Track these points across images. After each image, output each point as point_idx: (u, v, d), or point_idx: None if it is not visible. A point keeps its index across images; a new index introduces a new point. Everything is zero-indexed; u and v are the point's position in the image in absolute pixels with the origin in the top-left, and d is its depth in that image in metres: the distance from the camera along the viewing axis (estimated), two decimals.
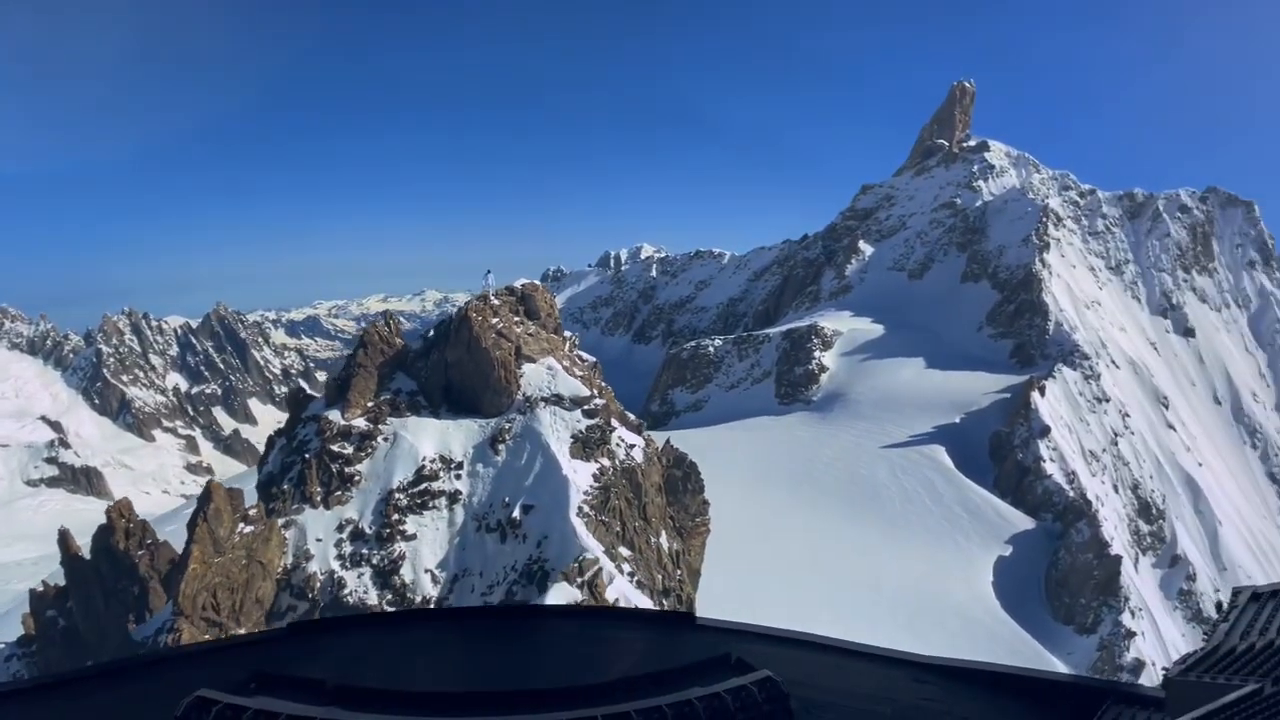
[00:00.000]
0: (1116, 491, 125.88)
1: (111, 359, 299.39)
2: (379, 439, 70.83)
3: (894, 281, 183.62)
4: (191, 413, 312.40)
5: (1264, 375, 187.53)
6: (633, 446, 76.26)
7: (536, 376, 76.80)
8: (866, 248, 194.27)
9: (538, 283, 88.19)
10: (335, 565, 65.02)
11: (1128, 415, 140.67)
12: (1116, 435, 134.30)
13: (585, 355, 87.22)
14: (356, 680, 5.45)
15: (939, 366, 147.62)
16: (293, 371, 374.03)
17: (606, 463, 71.98)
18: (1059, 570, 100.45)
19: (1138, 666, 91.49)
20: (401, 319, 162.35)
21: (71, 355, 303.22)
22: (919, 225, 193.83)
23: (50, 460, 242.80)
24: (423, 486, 69.20)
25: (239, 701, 4.53)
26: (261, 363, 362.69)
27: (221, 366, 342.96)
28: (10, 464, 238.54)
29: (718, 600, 76.60)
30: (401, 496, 68.44)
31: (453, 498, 69.61)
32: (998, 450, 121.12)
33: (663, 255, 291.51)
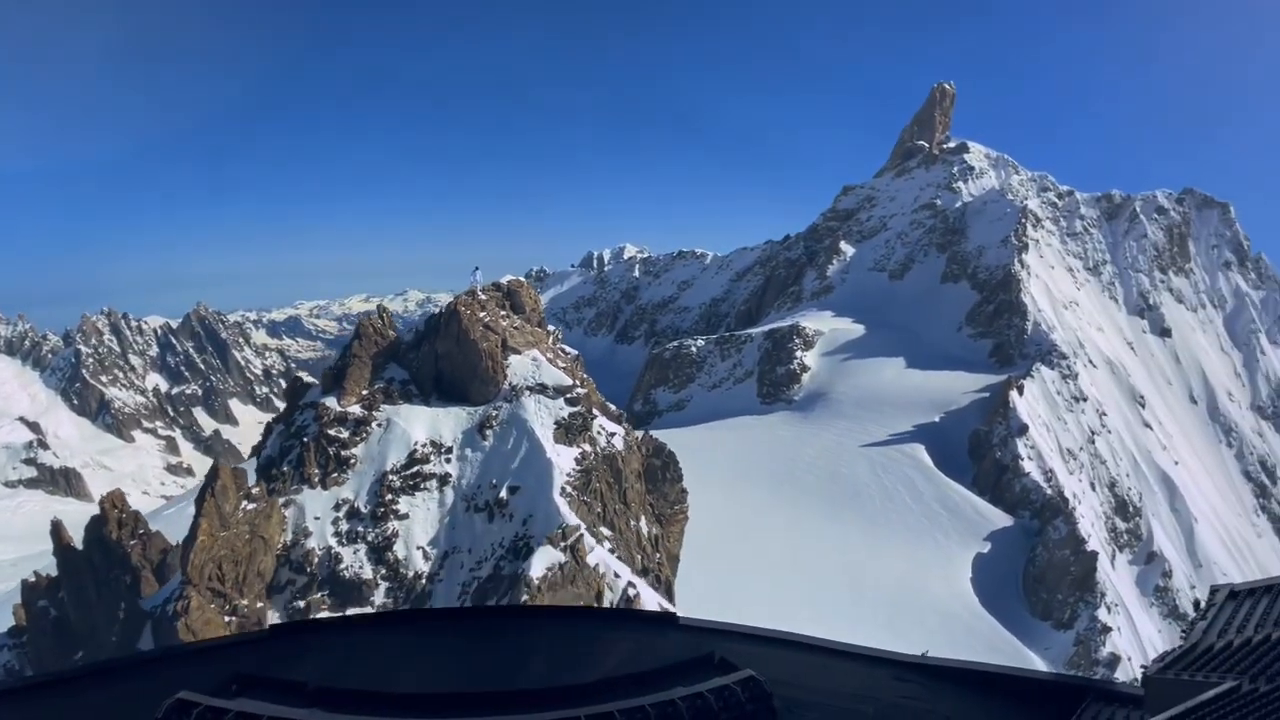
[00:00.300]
0: (1094, 489, 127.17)
1: (90, 359, 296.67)
2: (373, 424, 74.19)
3: (875, 282, 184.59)
4: (171, 413, 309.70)
5: (1239, 375, 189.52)
6: (613, 435, 79.79)
7: (522, 367, 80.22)
8: (848, 248, 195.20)
9: (523, 279, 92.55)
10: (332, 542, 68.05)
11: (1105, 414, 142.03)
12: (1094, 434, 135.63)
13: (568, 348, 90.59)
14: (338, 682, 5.44)
15: (919, 366, 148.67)
16: (274, 372, 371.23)
17: (588, 448, 75.34)
18: (1036, 567, 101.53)
19: (1113, 661, 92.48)
20: None
21: (50, 355, 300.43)
22: (899, 226, 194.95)
23: (29, 461, 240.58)
24: (415, 469, 72.55)
25: (220, 704, 4.58)
26: (242, 363, 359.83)
27: (202, 367, 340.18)
28: None
29: (699, 599, 77.05)
30: (395, 478, 71.69)
31: (443, 480, 72.83)
32: (977, 449, 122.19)
33: (646, 255, 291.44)
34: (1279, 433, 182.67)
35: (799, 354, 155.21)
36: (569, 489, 69.78)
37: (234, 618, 60.93)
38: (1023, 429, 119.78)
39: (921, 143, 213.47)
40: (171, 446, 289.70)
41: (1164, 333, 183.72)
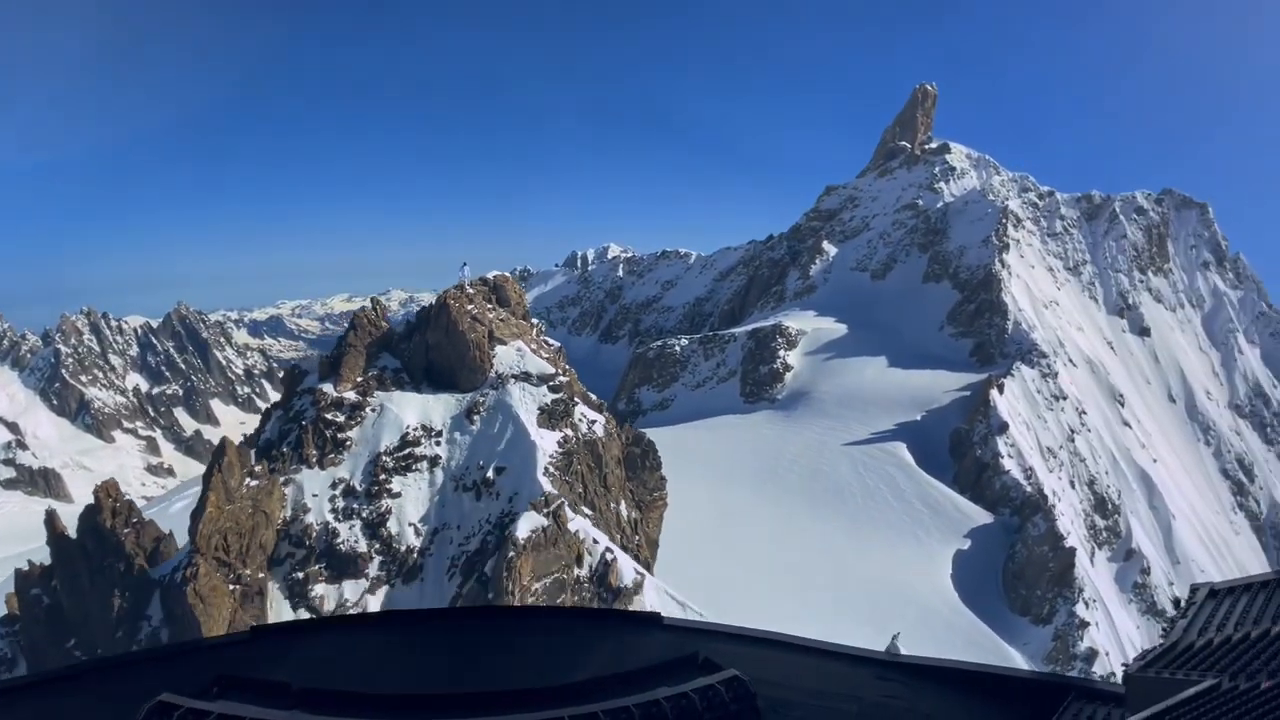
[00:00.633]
0: (1073, 487, 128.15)
1: (70, 359, 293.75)
2: (367, 409, 78.31)
3: (857, 281, 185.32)
4: (152, 413, 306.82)
5: (1217, 374, 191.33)
6: (594, 422, 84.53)
7: (507, 356, 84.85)
8: (830, 248, 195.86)
9: (508, 274, 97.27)
10: (329, 518, 71.99)
11: (1084, 413, 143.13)
12: (1073, 432, 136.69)
13: (550, 340, 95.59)
14: (321, 683, 5.40)
15: (901, 365, 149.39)
16: (256, 372, 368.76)
17: (570, 433, 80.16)
18: (1016, 563, 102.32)
19: (1091, 655, 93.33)
20: None
21: (29, 355, 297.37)
22: (881, 226, 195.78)
23: (7, 462, 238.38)
24: (407, 451, 76.74)
25: (201, 705, 4.61)
26: (224, 363, 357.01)
27: (183, 367, 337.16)
28: None
29: (682, 597, 77.30)
30: (388, 459, 75.75)
31: (433, 461, 77.04)
32: (957, 447, 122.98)
33: (629, 255, 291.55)
34: (1256, 431, 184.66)
35: (782, 353, 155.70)
36: (552, 469, 74.35)
37: (237, 586, 64.72)
38: (1003, 427, 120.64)
39: (903, 143, 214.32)
40: (152, 447, 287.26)
41: (1143, 332, 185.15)
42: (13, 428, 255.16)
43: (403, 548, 71.92)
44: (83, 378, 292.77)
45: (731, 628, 7.74)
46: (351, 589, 69.56)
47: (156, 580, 66.01)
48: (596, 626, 9.04)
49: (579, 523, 70.86)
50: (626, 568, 71.01)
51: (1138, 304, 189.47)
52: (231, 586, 64.19)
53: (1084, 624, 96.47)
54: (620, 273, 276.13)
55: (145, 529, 69.53)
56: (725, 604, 75.47)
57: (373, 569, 70.68)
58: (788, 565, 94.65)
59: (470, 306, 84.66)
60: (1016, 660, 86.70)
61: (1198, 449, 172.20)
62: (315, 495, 72.80)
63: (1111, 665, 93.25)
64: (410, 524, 73.34)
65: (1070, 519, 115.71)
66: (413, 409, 79.56)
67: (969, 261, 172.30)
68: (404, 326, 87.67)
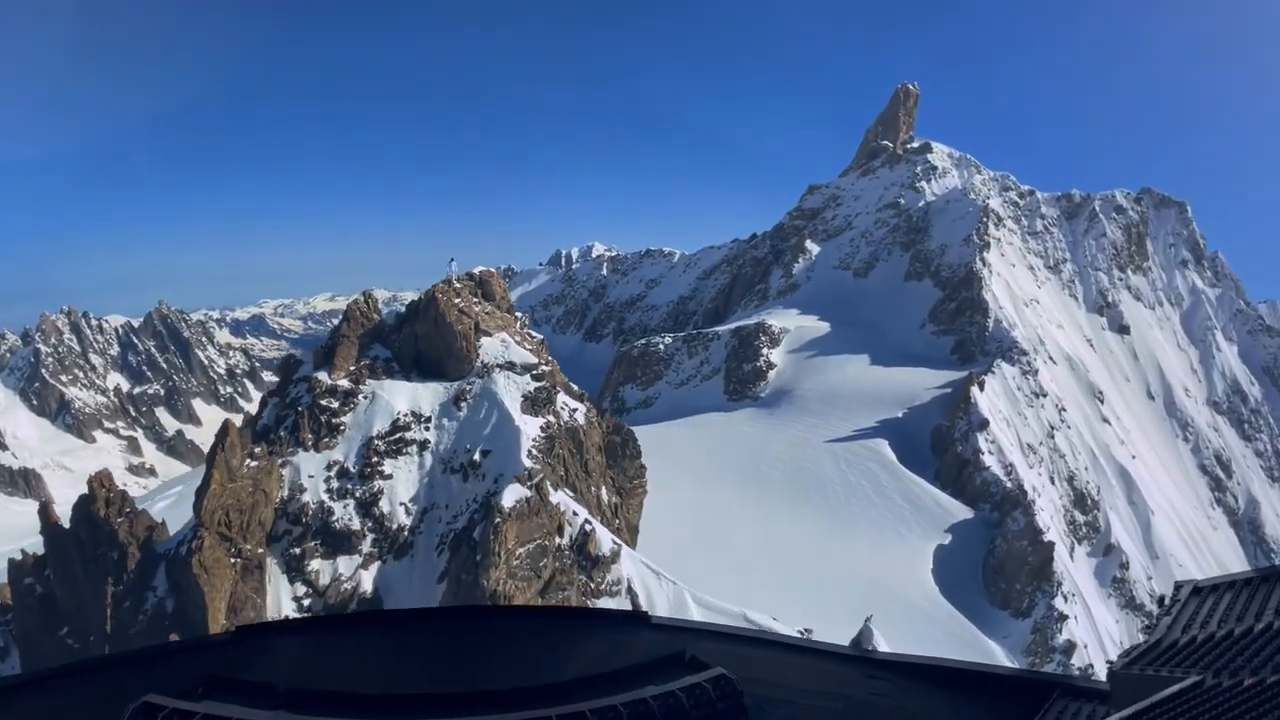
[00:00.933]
0: (1053, 483, 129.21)
1: (50, 359, 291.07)
2: (360, 396, 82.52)
3: (840, 280, 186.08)
4: (133, 413, 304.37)
5: (1195, 371, 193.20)
6: (575, 410, 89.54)
7: (492, 347, 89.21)
8: (813, 247, 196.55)
9: (493, 270, 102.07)
10: (325, 497, 76.04)
11: (1064, 409, 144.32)
12: (1053, 429, 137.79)
13: (534, 333, 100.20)
14: (306, 683, 5.44)
15: (883, 363, 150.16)
16: (238, 371, 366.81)
17: (552, 419, 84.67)
18: (995, 557, 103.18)
19: (1070, 648, 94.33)
20: None
21: (8, 355, 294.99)
22: (864, 225, 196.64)
23: None
24: (397, 435, 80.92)
25: (186, 706, 4.70)
26: (206, 362, 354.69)
27: (164, 366, 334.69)
28: None
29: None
30: (380, 443, 79.91)
31: (423, 445, 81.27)
32: (939, 443, 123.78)
33: (613, 254, 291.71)
34: (1234, 427, 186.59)
35: (765, 351, 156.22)
36: (535, 452, 78.48)
37: (238, 560, 68.69)
38: (984, 424, 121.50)
39: (886, 143, 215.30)
40: (133, 447, 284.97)
41: (1122, 330, 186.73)
42: None
43: (394, 526, 75.92)
44: (63, 377, 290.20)
45: (718, 626, 7.88)
46: (346, 564, 73.09)
47: (162, 554, 69.78)
48: (583, 626, 9.06)
49: (559, 496, 75.89)
50: (604, 538, 75.18)
51: (1117, 302, 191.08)
52: (233, 560, 68.28)
53: (1063, 617, 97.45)
54: (604, 271, 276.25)
55: (138, 518, 71.53)
56: (708, 600, 75.83)
57: (365, 545, 74.51)
58: (770, 560, 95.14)
59: (457, 300, 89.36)
60: (996, 652, 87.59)
61: (1176, 445, 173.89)
62: (311, 476, 76.69)
63: (1090, 657, 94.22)
64: (401, 503, 77.25)
65: (1050, 514, 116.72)
66: (403, 396, 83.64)
67: (950, 260, 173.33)
68: (394, 319, 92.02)
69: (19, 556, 75.52)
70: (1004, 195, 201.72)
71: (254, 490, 71.46)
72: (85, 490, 72.87)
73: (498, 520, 69.09)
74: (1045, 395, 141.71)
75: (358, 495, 76.73)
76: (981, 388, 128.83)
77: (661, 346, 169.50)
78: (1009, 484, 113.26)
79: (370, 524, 75.70)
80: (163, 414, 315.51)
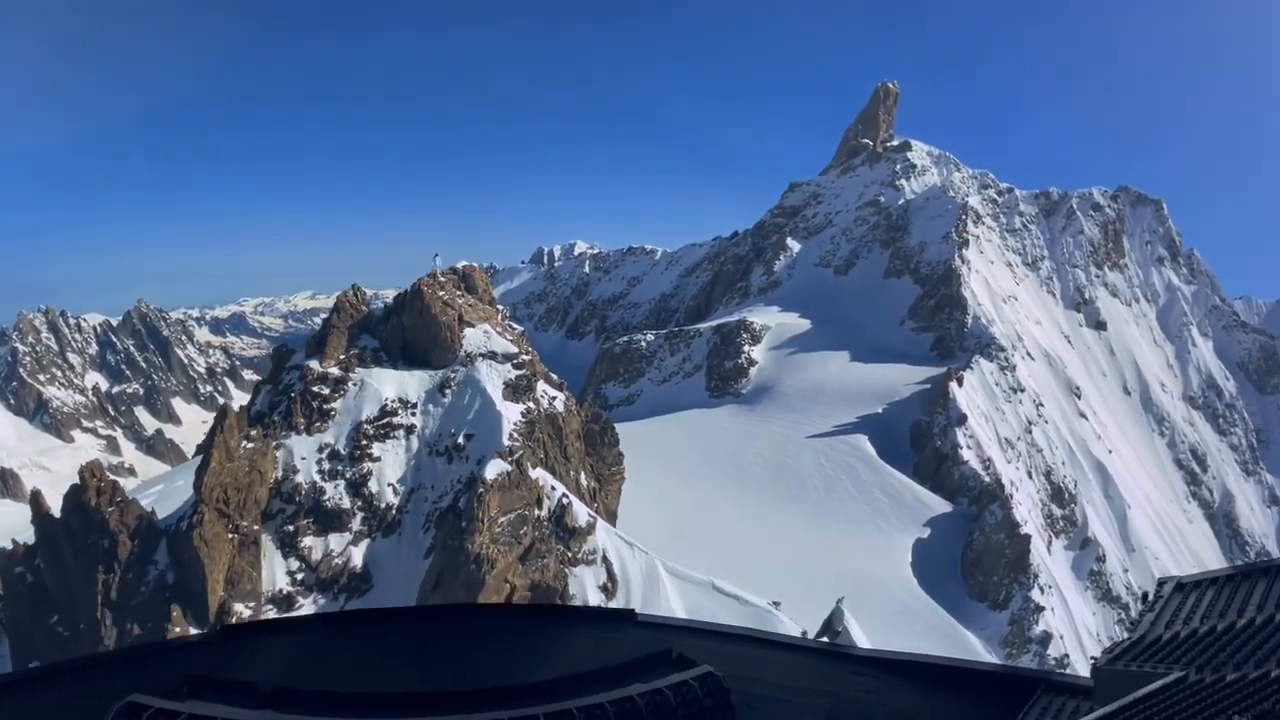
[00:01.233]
0: (1030, 477, 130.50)
1: (28, 358, 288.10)
2: (350, 384, 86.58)
3: (820, 277, 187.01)
4: (112, 413, 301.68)
5: (1171, 366, 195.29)
6: (554, 398, 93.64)
7: (475, 338, 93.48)
8: (794, 244, 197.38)
9: (475, 264, 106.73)
10: (317, 478, 79.86)
11: (1041, 405, 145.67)
12: (1031, 424, 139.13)
13: (515, 324, 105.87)
14: (292, 683, 5.44)
15: (863, 359, 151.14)
16: (218, 370, 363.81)
17: (532, 406, 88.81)
18: (973, 550, 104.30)
19: (1046, 639, 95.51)
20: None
21: None
22: (844, 222, 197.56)
23: None
24: (385, 420, 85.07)
25: (171, 706, 4.70)
26: (185, 361, 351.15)
27: (144, 365, 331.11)
28: None
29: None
30: (369, 427, 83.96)
31: (409, 429, 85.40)
32: (918, 438, 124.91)
33: (596, 251, 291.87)
34: (1209, 422, 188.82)
35: (746, 348, 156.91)
36: (516, 435, 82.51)
37: (235, 535, 72.17)
38: (962, 419, 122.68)
39: (866, 141, 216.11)
40: (113, 446, 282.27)
41: (1099, 326, 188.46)
42: None
43: (382, 505, 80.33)
44: (41, 377, 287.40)
45: (704, 624, 7.93)
46: (337, 541, 76.87)
47: (163, 529, 73.00)
48: (569, 624, 9.05)
49: (539, 472, 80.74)
50: (581, 511, 79.71)
51: (1094, 298, 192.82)
52: (230, 535, 71.66)
53: (1039, 609, 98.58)
54: (586, 269, 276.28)
55: (128, 507, 73.27)
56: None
57: (355, 523, 78.70)
58: (752, 555, 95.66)
59: (442, 293, 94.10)
60: (974, 644, 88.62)
61: (1152, 440, 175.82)
62: (304, 458, 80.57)
63: (1066, 648, 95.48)
64: (389, 484, 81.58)
65: (1028, 508, 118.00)
66: (390, 383, 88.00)
67: (929, 257, 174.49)
68: (382, 311, 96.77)
69: (9, 546, 77.59)
70: (983, 193, 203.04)
71: (250, 470, 74.99)
72: (64, 490, 74.05)
73: (481, 490, 73.59)
74: (1023, 390, 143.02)
75: (348, 476, 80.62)
76: (960, 383, 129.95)
77: (644, 344, 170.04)
78: (987, 478, 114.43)
79: (360, 503, 79.66)
80: (142, 413, 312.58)
